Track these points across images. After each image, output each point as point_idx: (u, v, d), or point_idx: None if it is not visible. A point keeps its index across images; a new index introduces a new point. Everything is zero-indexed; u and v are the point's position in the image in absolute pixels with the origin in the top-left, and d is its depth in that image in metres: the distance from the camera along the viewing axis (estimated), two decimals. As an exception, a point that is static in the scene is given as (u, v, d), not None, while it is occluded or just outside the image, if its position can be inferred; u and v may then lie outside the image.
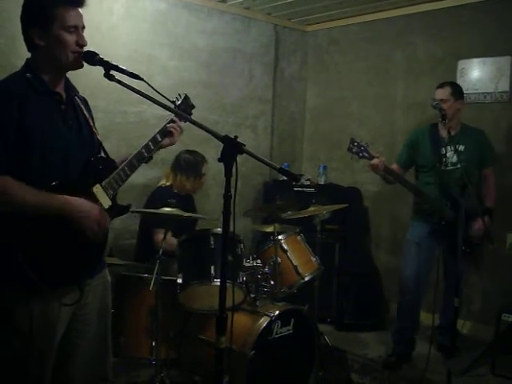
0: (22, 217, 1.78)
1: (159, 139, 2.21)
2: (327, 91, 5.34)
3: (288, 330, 2.95)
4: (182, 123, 2.27)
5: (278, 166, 1.75)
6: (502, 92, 4.14)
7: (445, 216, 3.42)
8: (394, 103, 4.80)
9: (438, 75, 4.23)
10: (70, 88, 2.03)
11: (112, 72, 1.88)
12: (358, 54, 5.06)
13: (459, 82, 4.07)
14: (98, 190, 1.96)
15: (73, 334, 1.99)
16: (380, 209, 4.91)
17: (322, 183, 4.95)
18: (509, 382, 3.38)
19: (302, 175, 5.04)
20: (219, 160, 1.69)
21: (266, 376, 2.87)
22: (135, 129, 4.13)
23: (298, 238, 3.52)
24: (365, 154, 3.28)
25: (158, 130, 2.22)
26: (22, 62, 1.94)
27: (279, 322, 2.90)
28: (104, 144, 2.12)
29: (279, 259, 3.24)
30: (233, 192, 1.66)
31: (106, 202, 1.99)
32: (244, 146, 1.69)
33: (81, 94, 2.11)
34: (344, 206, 3.70)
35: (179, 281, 2.90)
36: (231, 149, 1.68)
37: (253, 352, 2.73)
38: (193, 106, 2.47)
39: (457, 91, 3.58)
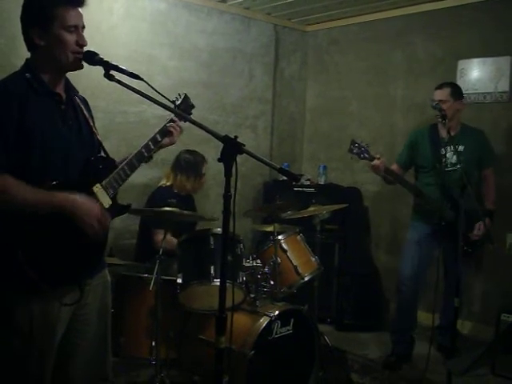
0: (22, 217, 1.78)
1: (159, 139, 2.21)
2: (327, 91, 5.34)
3: (288, 330, 2.95)
4: (181, 123, 2.28)
5: (278, 166, 1.75)
6: (502, 92, 4.14)
7: (445, 216, 3.41)
8: (393, 103, 4.80)
9: (437, 75, 4.24)
10: (70, 88, 2.03)
11: (112, 72, 1.88)
12: (357, 53, 5.06)
13: (459, 82, 4.08)
14: (98, 189, 1.96)
15: (73, 334, 1.99)
16: (380, 209, 4.91)
17: (322, 183, 4.95)
18: (509, 382, 3.38)
19: (301, 175, 5.04)
20: (219, 160, 1.69)
21: (266, 376, 2.87)
22: (135, 129, 4.13)
23: (298, 238, 3.51)
24: (365, 155, 3.28)
25: (157, 130, 2.22)
26: (22, 62, 1.94)
27: (279, 322, 2.89)
28: (104, 144, 2.12)
29: (279, 259, 3.23)
30: (233, 192, 1.66)
31: (107, 202, 1.98)
32: (244, 146, 1.69)
33: (81, 94, 2.11)
34: (344, 206, 3.71)
35: (179, 281, 2.90)
36: (231, 149, 1.68)
37: (253, 352, 2.73)
38: (193, 106, 2.46)
39: (456, 92, 3.58)
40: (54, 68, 1.91)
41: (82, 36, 1.90)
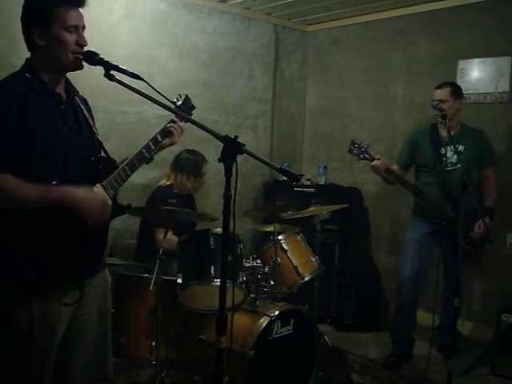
0: (22, 216, 1.78)
1: (160, 139, 2.21)
2: (327, 91, 5.34)
3: (288, 330, 2.95)
4: (182, 123, 2.28)
5: (278, 166, 1.75)
6: (502, 92, 4.14)
7: (445, 216, 3.41)
8: (394, 103, 4.80)
9: (438, 75, 4.23)
10: (70, 88, 2.03)
11: (112, 72, 1.88)
12: (358, 53, 5.06)
13: (459, 82, 4.08)
14: (98, 189, 1.96)
15: (73, 334, 1.99)
16: (380, 209, 4.91)
17: (322, 183, 4.96)
18: (509, 382, 3.38)
19: (302, 175, 5.04)
20: (219, 160, 1.69)
21: (266, 376, 2.87)
22: (136, 129, 4.13)
23: (298, 238, 3.52)
24: (365, 155, 3.28)
25: (158, 130, 2.22)
26: (22, 62, 1.94)
27: (279, 322, 2.89)
28: (104, 144, 2.12)
29: (279, 259, 3.24)
30: (233, 192, 1.66)
31: (107, 202, 1.99)
32: (244, 145, 1.69)
33: (81, 94, 2.11)
34: (344, 206, 3.71)
35: (179, 281, 2.90)
36: (231, 149, 1.68)
37: (253, 352, 2.73)
38: (193, 107, 2.46)
39: (456, 91, 3.58)
40: (54, 68, 1.91)
41: (83, 36, 1.90)
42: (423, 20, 4.53)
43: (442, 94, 3.53)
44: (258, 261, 3.15)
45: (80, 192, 1.86)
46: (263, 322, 2.83)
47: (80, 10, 1.90)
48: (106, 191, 1.98)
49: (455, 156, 3.51)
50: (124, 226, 4.02)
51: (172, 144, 2.29)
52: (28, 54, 1.94)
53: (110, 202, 1.97)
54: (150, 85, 1.90)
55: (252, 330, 2.80)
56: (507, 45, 4.09)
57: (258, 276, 3.09)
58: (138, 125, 4.15)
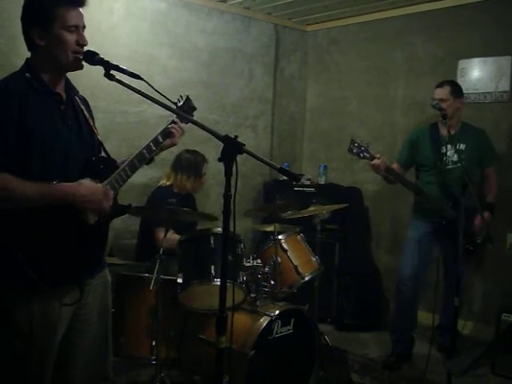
0: (22, 216, 1.78)
1: (161, 140, 2.21)
2: (327, 91, 5.34)
3: (288, 330, 2.95)
4: (182, 124, 2.27)
5: (278, 166, 1.75)
6: (503, 92, 4.14)
7: (446, 215, 3.41)
8: (394, 103, 4.80)
9: (438, 75, 4.23)
10: (70, 88, 2.03)
11: (112, 72, 1.87)
12: (357, 53, 5.06)
13: (459, 81, 4.07)
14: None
15: (73, 334, 1.99)
16: (380, 208, 4.91)
17: (322, 183, 4.96)
18: (509, 381, 3.38)
19: (302, 175, 5.04)
20: (219, 160, 1.69)
21: (266, 376, 2.87)
22: (136, 129, 4.13)
23: (298, 237, 3.52)
24: (365, 154, 3.28)
25: (159, 131, 2.22)
26: (23, 62, 1.94)
27: (279, 321, 2.90)
28: (105, 144, 2.12)
29: (279, 259, 3.24)
30: (233, 192, 1.66)
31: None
32: (244, 145, 1.69)
33: (81, 94, 2.11)
34: (344, 205, 3.71)
35: (179, 280, 2.90)
36: (231, 149, 1.68)
37: (253, 352, 2.73)
38: (194, 108, 2.46)
39: (456, 90, 3.57)
40: (54, 68, 1.91)
41: (83, 36, 1.90)
42: (422, 20, 4.54)
43: (442, 92, 3.53)
44: (259, 260, 3.15)
45: (82, 184, 1.87)
46: (263, 321, 2.83)
47: (80, 9, 1.90)
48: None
49: (456, 155, 3.50)
50: (124, 226, 4.02)
51: (173, 145, 2.29)
52: (28, 54, 1.94)
53: (112, 193, 1.96)
54: (150, 85, 1.90)
55: (252, 330, 2.80)
56: (505, 45, 4.09)
57: (259, 276, 3.09)
58: (138, 125, 4.15)
